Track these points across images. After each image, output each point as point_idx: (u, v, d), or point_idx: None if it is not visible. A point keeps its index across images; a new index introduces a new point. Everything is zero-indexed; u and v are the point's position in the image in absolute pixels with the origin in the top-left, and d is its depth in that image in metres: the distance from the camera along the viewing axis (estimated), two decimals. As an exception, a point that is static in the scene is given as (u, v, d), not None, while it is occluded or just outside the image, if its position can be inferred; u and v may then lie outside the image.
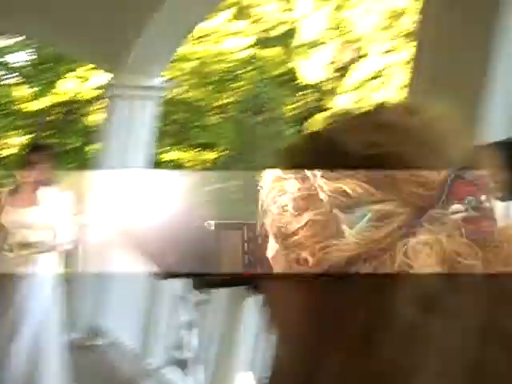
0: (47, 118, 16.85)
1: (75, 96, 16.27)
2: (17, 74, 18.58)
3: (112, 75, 6.62)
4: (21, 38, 15.96)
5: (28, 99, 16.47)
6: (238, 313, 3.84)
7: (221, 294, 3.96)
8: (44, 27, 6.63)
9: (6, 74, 18.44)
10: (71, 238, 4.76)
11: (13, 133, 16.54)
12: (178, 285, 4.81)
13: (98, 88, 14.95)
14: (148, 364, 5.11)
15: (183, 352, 4.57)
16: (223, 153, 17.93)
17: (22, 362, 4.41)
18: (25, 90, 17.07)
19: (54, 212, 4.60)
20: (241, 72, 19.32)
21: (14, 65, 18.06)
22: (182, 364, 4.62)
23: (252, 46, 19.35)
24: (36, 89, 16.87)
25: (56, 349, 4.59)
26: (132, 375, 5.37)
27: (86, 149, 15.51)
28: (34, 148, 4.85)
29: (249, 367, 3.80)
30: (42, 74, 17.04)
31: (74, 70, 16.27)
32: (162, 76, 6.78)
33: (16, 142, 16.46)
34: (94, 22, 6.13)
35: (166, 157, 17.25)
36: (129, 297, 5.80)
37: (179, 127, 17.39)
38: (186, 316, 4.66)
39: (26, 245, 4.43)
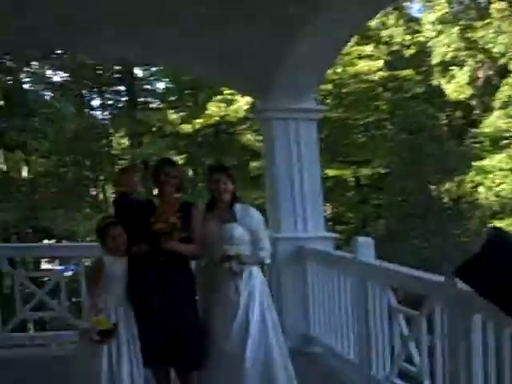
0: (199, 139, 17.71)
1: (223, 118, 16.92)
2: (162, 99, 19.66)
3: (259, 99, 7.14)
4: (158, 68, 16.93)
5: (178, 122, 17.33)
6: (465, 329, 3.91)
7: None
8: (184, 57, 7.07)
9: (154, 101, 19.59)
10: (269, 251, 5.00)
11: (171, 152, 17.48)
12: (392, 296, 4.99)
13: (246, 110, 15.52)
14: (373, 375, 5.25)
15: (411, 364, 4.70)
16: (378, 169, 18.04)
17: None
18: (173, 114, 17.97)
19: (250, 227, 4.88)
20: (380, 91, 19.44)
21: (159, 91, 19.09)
22: (411, 377, 4.74)
23: (383, 67, 19.52)
24: (183, 113, 17.73)
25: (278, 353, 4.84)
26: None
27: (250, 166, 16.10)
28: (216, 168, 5.14)
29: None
30: (187, 98, 17.87)
31: (218, 94, 17.00)
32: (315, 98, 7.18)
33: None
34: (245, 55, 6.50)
35: (329, 173, 17.63)
36: (338, 308, 5.98)
37: (332, 145, 17.76)
38: (404, 328, 4.79)
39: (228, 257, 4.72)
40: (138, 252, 4.75)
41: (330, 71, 18.17)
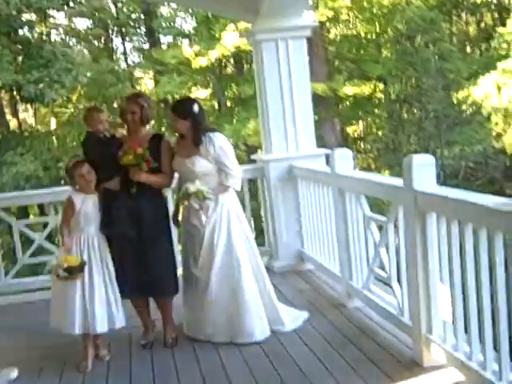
0: (217, 72, 17.54)
1: (237, 48, 16.65)
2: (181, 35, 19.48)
3: (251, 24, 6.89)
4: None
5: (196, 56, 17.14)
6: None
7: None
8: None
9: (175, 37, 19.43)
10: (238, 177, 4.95)
11: (193, 89, 17.40)
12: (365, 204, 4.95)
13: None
14: (353, 284, 5.29)
15: (384, 270, 4.67)
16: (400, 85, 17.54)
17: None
18: (192, 49, 17.78)
19: (214, 156, 4.83)
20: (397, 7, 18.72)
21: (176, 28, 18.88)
22: (385, 282, 4.73)
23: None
24: (200, 47, 17.50)
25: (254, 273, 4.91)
26: (339, 295, 5.58)
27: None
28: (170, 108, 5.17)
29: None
30: (202, 33, 17.62)
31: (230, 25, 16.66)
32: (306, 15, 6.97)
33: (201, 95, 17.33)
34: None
35: (344, 91, 17.26)
36: (323, 224, 5.98)
37: (351, 62, 17.38)
38: (377, 235, 4.75)
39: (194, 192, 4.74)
40: (108, 187, 4.79)
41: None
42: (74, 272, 4.48)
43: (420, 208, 3.94)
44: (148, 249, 4.79)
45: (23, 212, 16.17)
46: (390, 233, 4.56)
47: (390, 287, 4.64)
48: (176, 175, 5.06)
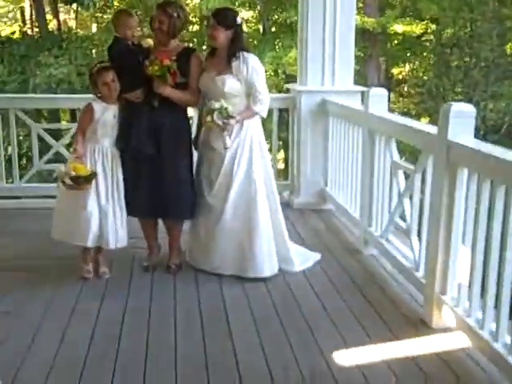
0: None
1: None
2: None
3: None
4: None
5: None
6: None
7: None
8: None
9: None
10: (266, 104, 4.65)
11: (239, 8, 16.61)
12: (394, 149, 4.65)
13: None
14: (371, 231, 5.06)
15: (405, 221, 4.42)
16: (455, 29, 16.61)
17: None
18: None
19: (246, 78, 4.53)
20: None
21: None
22: (404, 232, 4.48)
23: None
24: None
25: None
26: (355, 240, 5.36)
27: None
28: (212, 14, 4.69)
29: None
30: None
31: None
32: None
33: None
34: None
35: (394, 28, 16.51)
36: (350, 166, 5.71)
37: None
38: (403, 184, 4.48)
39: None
40: (129, 98, 4.54)
41: None
42: (80, 182, 4.29)
43: (451, 161, 3.63)
44: (166, 167, 4.56)
45: (55, 117, 16.04)
46: (417, 183, 4.28)
47: (409, 240, 4.39)
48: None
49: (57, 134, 7.06)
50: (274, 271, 4.65)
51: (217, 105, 4.41)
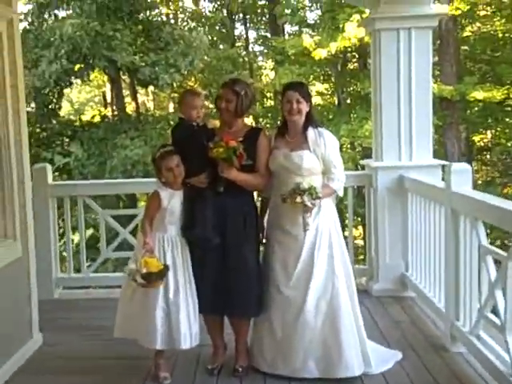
0: (338, 65, 16.72)
1: (360, 41, 15.72)
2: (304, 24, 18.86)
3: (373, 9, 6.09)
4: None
5: (317, 47, 16.36)
6: None
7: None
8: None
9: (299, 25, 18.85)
10: (343, 182, 4.31)
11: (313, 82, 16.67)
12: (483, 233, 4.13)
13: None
14: (459, 326, 4.48)
15: (499, 317, 3.86)
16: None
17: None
18: (312, 39, 17.04)
19: (323, 154, 4.19)
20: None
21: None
22: (498, 329, 3.91)
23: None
24: (321, 37, 16.73)
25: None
26: (440, 334, 4.79)
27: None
28: (288, 86, 4.40)
29: None
30: (325, 22, 16.87)
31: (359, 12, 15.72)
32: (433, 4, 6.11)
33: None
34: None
35: (474, 95, 15.90)
36: (432, 249, 5.20)
37: (484, 64, 15.94)
38: (494, 272, 3.94)
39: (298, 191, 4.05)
40: (193, 183, 4.22)
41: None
42: (152, 279, 3.92)
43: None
44: (232, 258, 4.18)
45: (132, 201, 16.02)
46: (511, 272, 3.73)
47: (504, 338, 3.80)
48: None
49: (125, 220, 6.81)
50: (362, 369, 4.14)
51: (306, 184, 4.02)
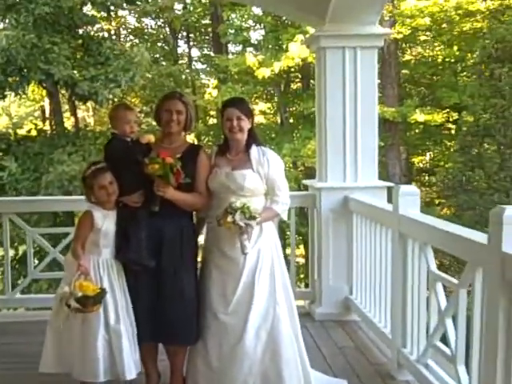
0: (281, 85, 16.72)
1: (304, 60, 15.75)
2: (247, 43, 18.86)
3: (318, 27, 5.94)
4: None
5: (260, 66, 16.32)
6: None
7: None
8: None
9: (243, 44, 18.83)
10: (287, 205, 4.12)
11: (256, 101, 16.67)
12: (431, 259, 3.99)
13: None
14: (406, 353, 4.30)
15: (449, 346, 3.70)
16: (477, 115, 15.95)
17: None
18: (256, 58, 16.99)
19: (267, 175, 4.01)
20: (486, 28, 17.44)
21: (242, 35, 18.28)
22: (447, 357, 3.75)
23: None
24: (264, 56, 16.71)
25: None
26: (387, 361, 4.62)
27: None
28: (228, 102, 4.23)
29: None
30: (268, 42, 16.91)
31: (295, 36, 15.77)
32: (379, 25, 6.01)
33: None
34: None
35: (415, 117, 16.10)
36: (378, 272, 5.05)
37: (425, 88, 16.21)
38: (443, 300, 3.80)
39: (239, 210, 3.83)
40: (127, 202, 3.96)
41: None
42: (89, 304, 3.62)
43: (507, 277, 2.97)
44: (167, 284, 3.92)
45: (70, 218, 15.49)
46: (462, 301, 3.59)
47: (454, 368, 3.65)
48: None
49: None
50: None
51: (238, 203, 3.79)
